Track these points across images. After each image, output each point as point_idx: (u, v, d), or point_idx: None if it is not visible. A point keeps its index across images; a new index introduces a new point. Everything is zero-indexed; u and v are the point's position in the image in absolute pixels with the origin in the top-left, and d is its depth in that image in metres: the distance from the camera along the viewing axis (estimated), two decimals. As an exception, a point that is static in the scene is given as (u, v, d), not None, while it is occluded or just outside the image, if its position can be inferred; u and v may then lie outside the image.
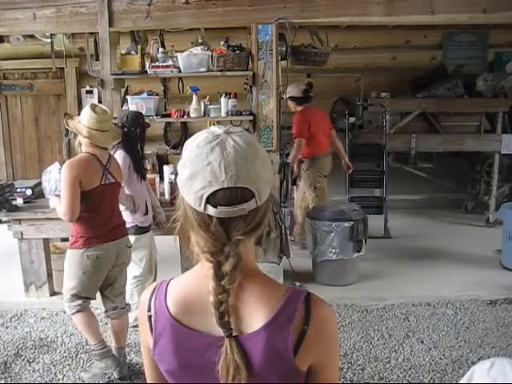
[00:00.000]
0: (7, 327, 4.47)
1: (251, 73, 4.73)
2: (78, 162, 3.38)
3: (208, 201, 1.06)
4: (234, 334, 1.09)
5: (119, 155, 3.93)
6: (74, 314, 3.58)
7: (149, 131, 4.44)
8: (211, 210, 1.07)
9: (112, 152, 3.92)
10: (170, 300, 1.17)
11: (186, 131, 7.32)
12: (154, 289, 1.21)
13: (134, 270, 4.18)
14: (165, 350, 1.16)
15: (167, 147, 7.34)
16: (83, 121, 3.38)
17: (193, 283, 1.18)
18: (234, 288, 1.09)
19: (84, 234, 3.42)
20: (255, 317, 1.10)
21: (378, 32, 7.16)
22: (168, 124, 7.21)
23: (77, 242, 3.44)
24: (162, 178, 4.97)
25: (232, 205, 1.06)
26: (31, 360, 3.95)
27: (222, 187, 1.06)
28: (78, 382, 3.68)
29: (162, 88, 6.37)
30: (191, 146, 1.11)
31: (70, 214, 3.31)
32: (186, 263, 4.17)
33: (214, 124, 5.70)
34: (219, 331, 1.09)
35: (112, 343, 3.81)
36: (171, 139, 7.43)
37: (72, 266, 3.48)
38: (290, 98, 5.84)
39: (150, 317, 1.19)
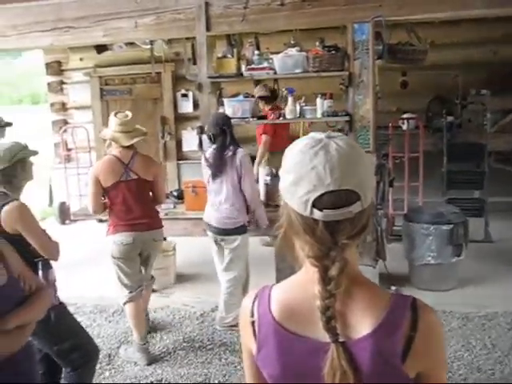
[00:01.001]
0: (110, 321, 4.70)
1: (347, 73, 4.65)
2: (98, 163, 4.02)
3: (314, 205, 1.06)
4: (341, 339, 1.07)
5: (242, 153, 4.04)
6: (124, 304, 3.99)
7: (242, 133, 4.50)
8: (317, 214, 1.06)
9: (230, 154, 4.01)
10: (273, 305, 1.16)
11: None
12: (256, 295, 1.22)
13: (235, 268, 4.20)
14: (269, 354, 1.16)
15: (260, 148, 7.38)
16: (110, 126, 3.92)
17: (297, 288, 1.17)
18: (340, 293, 1.07)
19: (113, 222, 3.93)
20: (361, 322, 1.08)
21: (478, 26, 6.79)
22: (261, 125, 7.25)
23: (109, 230, 3.96)
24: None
25: (338, 208, 1.05)
26: (133, 354, 4.11)
27: (327, 190, 1.05)
28: (176, 377, 3.80)
29: (256, 90, 6.42)
30: (293, 151, 1.11)
31: (92, 207, 3.89)
32: (282, 264, 4.16)
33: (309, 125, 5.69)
34: (325, 336, 1.08)
35: None
36: (263, 140, 7.46)
37: (110, 252, 3.92)
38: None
39: (252, 322, 1.19)
